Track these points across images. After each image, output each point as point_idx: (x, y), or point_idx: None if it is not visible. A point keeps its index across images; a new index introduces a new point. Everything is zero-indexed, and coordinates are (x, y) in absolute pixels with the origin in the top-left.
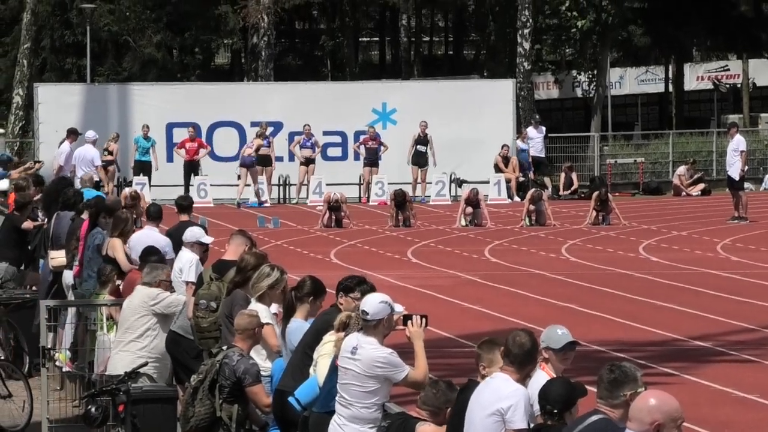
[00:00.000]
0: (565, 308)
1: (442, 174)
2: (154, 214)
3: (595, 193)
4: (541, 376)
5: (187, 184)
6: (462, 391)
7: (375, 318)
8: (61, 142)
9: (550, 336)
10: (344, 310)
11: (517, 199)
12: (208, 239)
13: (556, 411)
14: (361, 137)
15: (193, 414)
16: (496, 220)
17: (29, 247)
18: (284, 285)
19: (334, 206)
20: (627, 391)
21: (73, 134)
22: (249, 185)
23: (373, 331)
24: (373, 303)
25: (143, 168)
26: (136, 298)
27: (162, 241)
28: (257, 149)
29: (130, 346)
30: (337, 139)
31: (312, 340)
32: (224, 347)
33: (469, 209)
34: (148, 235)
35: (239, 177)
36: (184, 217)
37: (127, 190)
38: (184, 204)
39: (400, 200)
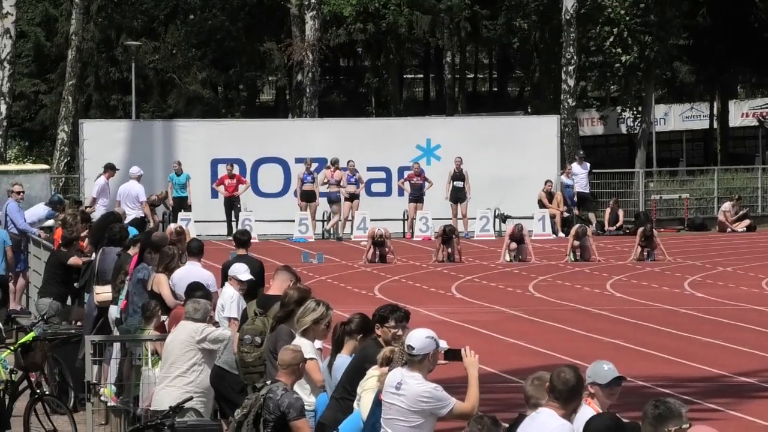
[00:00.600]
0: (609, 344)
1: (486, 210)
2: (196, 250)
3: (640, 229)
4: (588, 411)
5: (229, 220)
6: (512, 427)
7: (421, 353)
8: (99, 176)
9: (596, 371)
10: (382, 340)
11: (561, 234)
12: (245, 276)
13: None
14: (406, 173)
15: None
16: (540, 256)
17: (75, 284)
18: (329, 320)
19: (379, 241)
20: (671, 427)
21: (110, 169)
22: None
23: (418, 366)
24: (419, 338)
25: (182, 204)
26: (181, 333)
27: (206, 276)
28: (338, 182)
29: (176, 381)
30: (382, 174)
31: (352, 374)
32: (268, 382)
33: (514, 245)
34: (191, 271)
35: (332, 213)
36: (242, 252)
37: (172, 226)
38: (243, 239)
39: (449, 235)
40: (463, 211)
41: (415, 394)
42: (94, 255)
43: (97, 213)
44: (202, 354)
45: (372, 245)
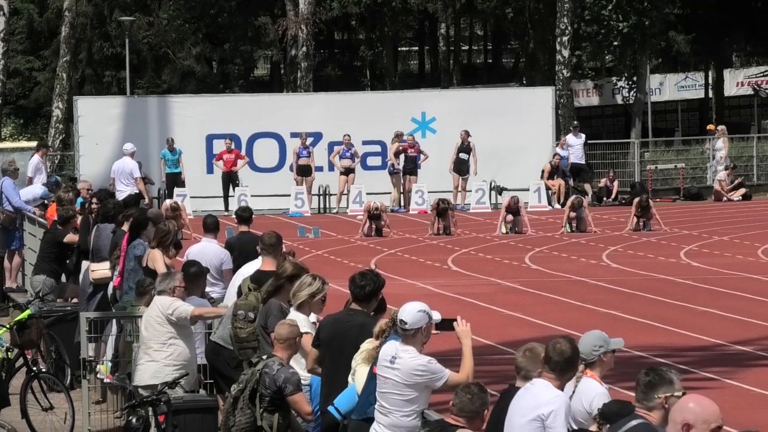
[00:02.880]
0: (605, 314)
1: (482, 182)
2: (211, 226)
3: (636, 199)
4: (591, 384)
5: (226, 196)
6: (502, 396)
7: (413, 327)
8: (32, 155)
9: (605, 339)
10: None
11: (557, 206)
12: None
13: (603, 421)
14: (401, 146)
15: (233, 423)
16: (536, 228)
17: (68, 261)
18: (324, 294)
19: (375, 215)
20: (661, 394)
21: (44, 147)
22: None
23: (411, 340)
24: (411, 312)
25: (175, 180)
26: (153, 309)
27: (220, 253)
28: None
29: (154, 355)
30: (377, 148)
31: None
32: (264, 356)
33: (510, 217)
34: (206, 247)
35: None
36: (244, 228)
37: (168, 202)
38: (245, 216)
39: (443, 208)
40: (463, 184)
41: (409, 368)
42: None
43: (36, 190)
44: (178, 326)
45: (368, 219)
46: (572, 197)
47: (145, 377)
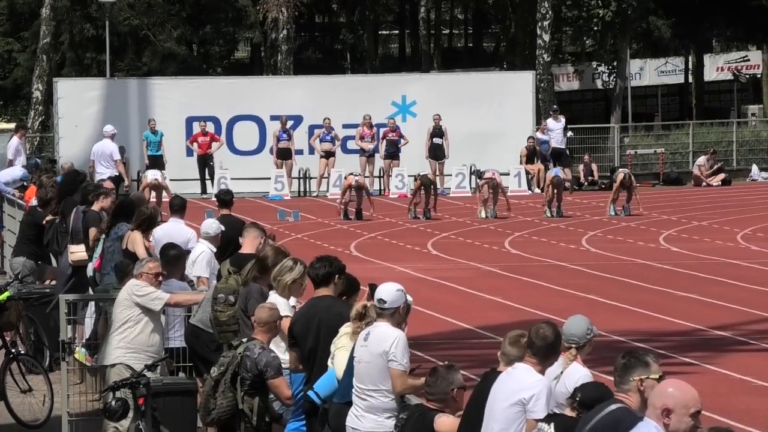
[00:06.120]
0: (585, 299)
1: (462, 166)
2: (178, 207)
3: (620, 176)
4: (578, 369)
5: (202, 179)
6: (483, 380)
7: (392, 306)
8: (11, 137)
9: (592, 327)
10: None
11: (537, 190)
12: (216, 230)
13: (582, 409)
14: (382, 130)
15: (214, 406)
16: (516, 212)
17: (44, 242)
18: (305, 279)
19: (356, 186)
20: (636, 376)
21: (22, 128)
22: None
23: (389, 319)
24: (389, 291)
25: (156, 163)
26: (123, 291)
27: (187, 233)
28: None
29: (111, 337)
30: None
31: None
32: (244, 340)
33: (489, 195)
34: (174, 228)
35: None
36: (225, 211)
37: (149, 174)
38: (226, 198)
39: (427, 184)
40: (440, 168)
41: (382, 335)
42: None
43: (16, 171)
44: (141, 311)
45: (347, 192)
46: (552, 176)
47: (106, 359)
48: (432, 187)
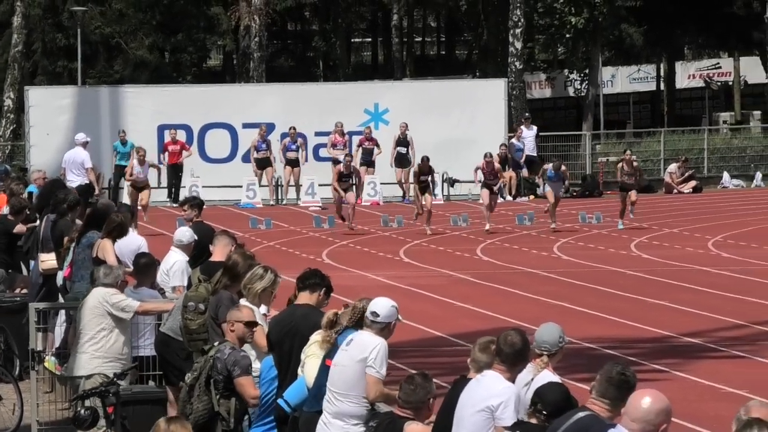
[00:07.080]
0: (557, 306)
1: (435, 174)
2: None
3: (633, 197)
4: (547, 375)
5: (170, 187)
6: (453, 387)
7: (384, 321)
8: None
9: (562, 334)
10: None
11: (509, 198)
12: (189, 239)
13: (545, 413)
14: (357, 138)
15: (191, 411)
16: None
17: (22, 250)
18: (276, 287)
19: (346, 174)
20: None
21: None
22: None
23: (378, 333)
24: (385, 306)
25: (123, 173)
26: (91, 299)
27: (138, 241)
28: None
29: (85, 347)
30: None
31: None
32: (216, 343)
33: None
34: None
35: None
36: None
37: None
38: (195, 203)
39: (425, 168)
40: (406, 176)
41: (363, 343)
42: (38, 222)
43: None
44: (112, 320)
45: (340, 184)
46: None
47: (78, 369)
48: (431, 171)
